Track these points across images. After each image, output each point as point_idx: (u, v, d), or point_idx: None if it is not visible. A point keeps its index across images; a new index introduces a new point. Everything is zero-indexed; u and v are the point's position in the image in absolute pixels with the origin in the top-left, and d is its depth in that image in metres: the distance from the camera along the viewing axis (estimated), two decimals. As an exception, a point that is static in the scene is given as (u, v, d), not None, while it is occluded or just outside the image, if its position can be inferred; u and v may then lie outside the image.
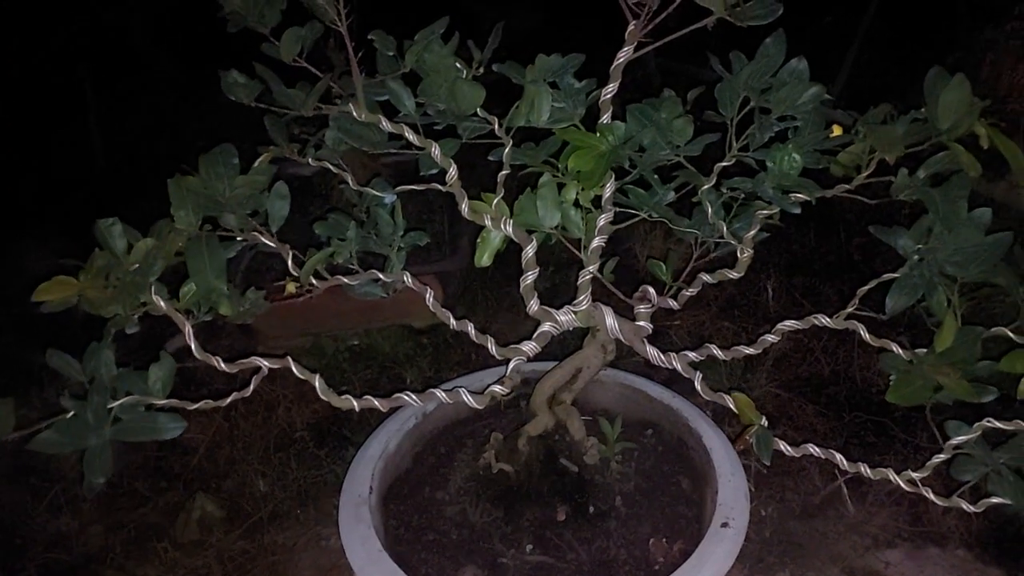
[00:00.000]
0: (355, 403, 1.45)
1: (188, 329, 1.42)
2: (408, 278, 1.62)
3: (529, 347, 1.59)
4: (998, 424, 1.41)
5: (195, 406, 1.45)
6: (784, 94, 1.54)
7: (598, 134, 1.58)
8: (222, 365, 1.44)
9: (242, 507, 2.39)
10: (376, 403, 1.46)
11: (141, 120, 4.54)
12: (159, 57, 4.63)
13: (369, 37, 1.51)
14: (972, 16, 4.27)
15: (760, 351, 1.66)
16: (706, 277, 1.71)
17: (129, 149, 4.32)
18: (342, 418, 2.67)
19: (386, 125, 1.57)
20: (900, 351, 1.53)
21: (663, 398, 1.88)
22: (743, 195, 1.66)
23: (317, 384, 1.45)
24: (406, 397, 1.47)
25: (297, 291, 1.56)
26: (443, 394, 1.50)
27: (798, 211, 1.56)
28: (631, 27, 1.58)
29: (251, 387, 1.49)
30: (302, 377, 1.47)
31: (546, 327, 1.62)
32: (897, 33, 5.07)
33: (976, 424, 1.42)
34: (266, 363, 1.45)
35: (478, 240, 1.68)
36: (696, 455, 1.77)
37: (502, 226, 1.59)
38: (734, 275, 1.67)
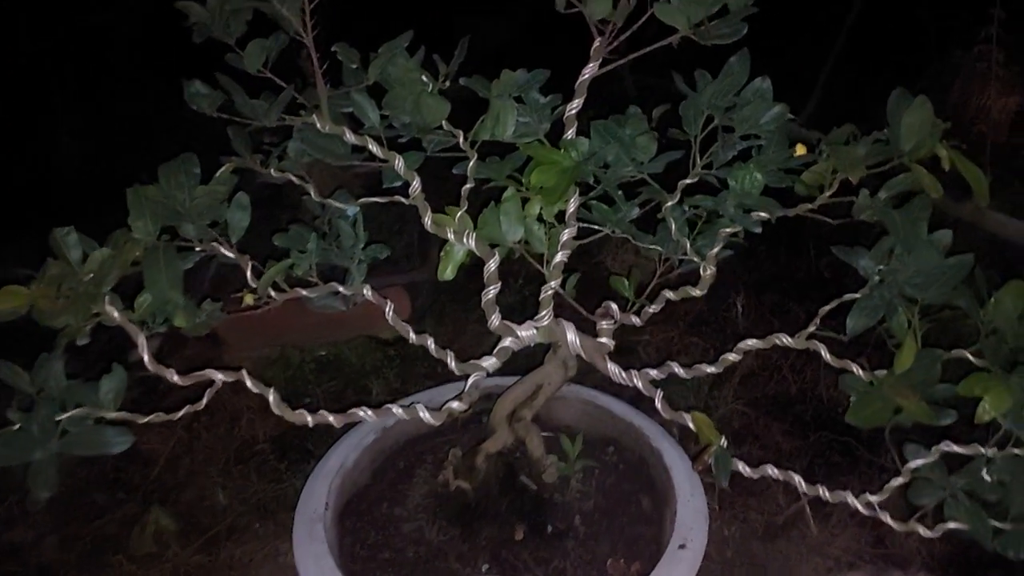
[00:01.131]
0: (309, 418, 1.43)
1: (142, 340, 1.39)
2: (368, 291, 1.60)
3: (489, 363, 1.58)
4: (956, 448, 1.40)
5: (146, 419, 1.42)
6: (747, 113, 1.54)
7: (562, 149, 1.58)
8: (175, 377, 1.42)
9: (200, 520, 2.36)
10: (331, 419, 1.44)
11: (115, 127, 4.50)
12: (137, 63, 4.59)
13: (332, 49, 1.49)
14: (942, 39, 4.32)
15: (721, 370, 1.65)
16: (669, 294, 1.71)
17: (101, 156, 4.28)
18: (305, 430, 2.62)
19: (350, 137, 1.56)
20: (860, 372, 1.53)
21: (625, 415, 1.87)
22: (707, 212, 1.66)
23: (271, 398, 1.44)
24: (361, 413, 1.45)
25: (255, 303, 1.54)
26: (400, 410, 1.48)
27: (759, 230, 1.56)
28: (596, 44, 1.58)
29: (204, 400, 1.46)
30: (256, 391, 1.44)
31: (507, 342, 1.61)
32: (870, 54, 5.12)
33: (934, 448, 1.42)
34: (220, 376, 1.43)
35: (442, 253, 1.67)
36: (657, 474, 1.76)
37: (464, 240, 1.58)
38: (697, 293, 1.66)
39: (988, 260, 3.33)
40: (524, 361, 1.77)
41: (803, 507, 2.30)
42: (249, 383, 1.44)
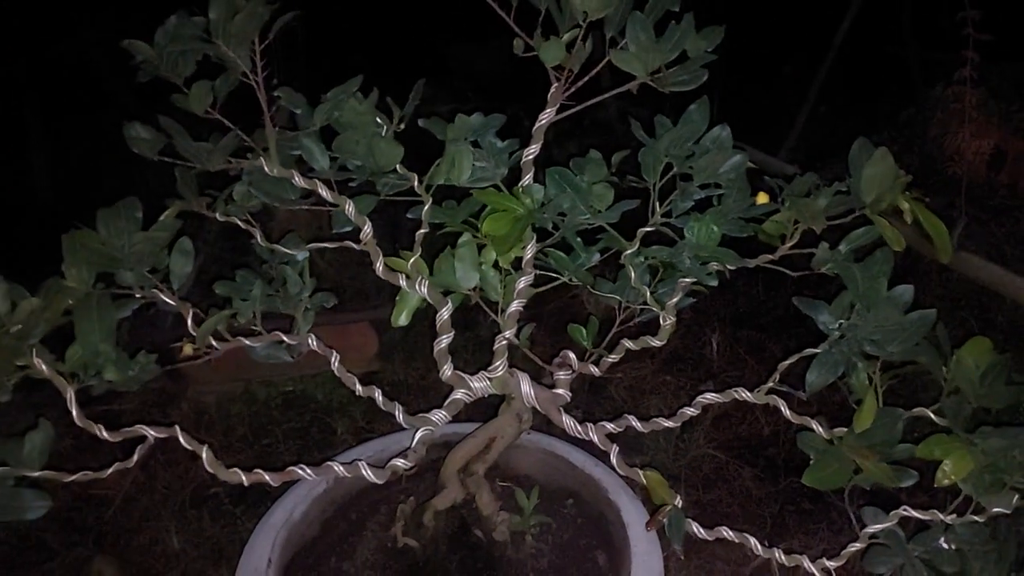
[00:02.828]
0: (243, 477, 1.38)
1: (70, 394, 1.34)
2: (313, 341, 1.55)
3: (438, 416, 1.53)
4: (914, 513, 1.36)
5: (71, 478, 1.36)
6: (705, 162, 1.50)
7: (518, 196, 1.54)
8: (104, 433, 1.36)
9: (152, 566, 2.29)
10: (267, 477, 1.39)
11: (90, 154, 4.45)
12: (114, 89, 4.55)
13: (276, 95, 1.44)
14: (924, 72, 4.31)
15: (679, 424, 1.61)
16: (629, 344, 1.66)
17: (75, 183, 4.23)
18: (265, 470, 2.58)
19: (299, 181, 1.52)
20: (820, 430, 1.49)
21: (585, 466, 1.81)
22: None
23: (204, 456, 1.39)
24: (300, 471, 1.40)
25: (195, 353, 1.49)
26: (341, 468, 1.43)
27: (715, 283, 1.51)
28: (552, 90, 1.54)
29: (135, 458, 1.40)
30: (189, 448, 1.39)
31: (458, 395, 1.56)
32: (852, 87, 5.12)
33: (892, 512, 1.37)
34: (152, 432, 1.38)
35: (397, 298, 1.63)
36: (615, 530, 1.70)
37: (417, 287, 1.54)
38: (656, 343, 1.62)
39: (963, 304, 3.31)
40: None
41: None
42: (182, 439, 1.38)
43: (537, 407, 1.59)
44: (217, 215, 1.57)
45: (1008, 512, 1.31)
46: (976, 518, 1.32)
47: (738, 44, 5.16)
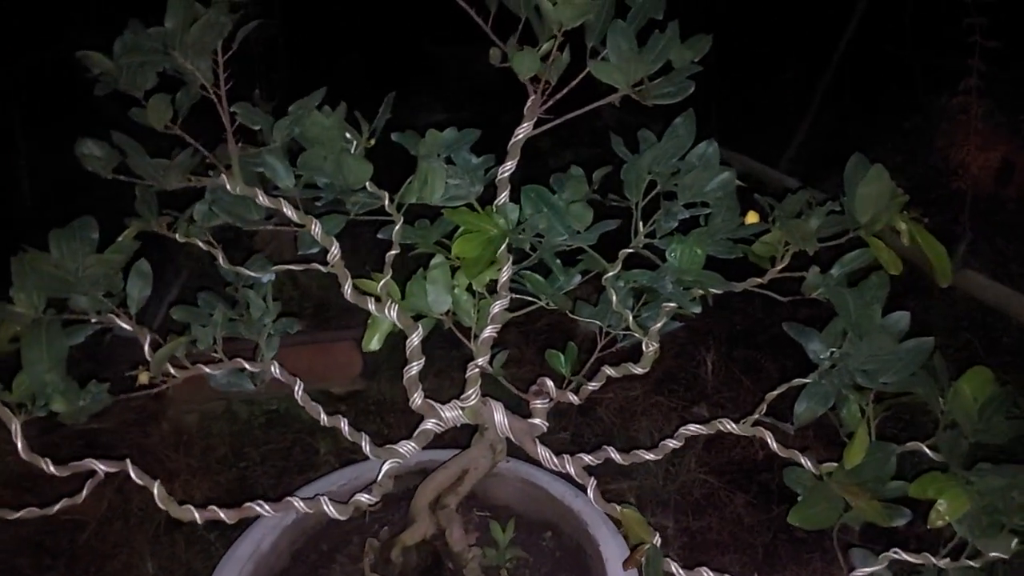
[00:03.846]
0: (196, 515, 1.30)
1: (16, 427, 1.26)
2: (276, 369, 1.48)
3: (406, 448, 1.46)
4: (905, 556, 1.28)
5: (16, 515, 1.29)
6: (690, 180, 1.43)
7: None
8: (51, 468, 1.29)
9: (125, 594, 2.23)
10: (222, 515, 1.31)
11: (76, 164, 4.38)
12: (101, 98, 4.47)
13: (232, 111, 1.37)
14: (930, 80, 4.22)
15: (661, 456, 1.53)
16: (610, 371, 1.58)
17: (61, 191, 4.16)
18: (240, 495, 2.51)
19: (263, 199, 1.44)
20: (809, 465, 1.41)
21: (564, 498, 1.73)
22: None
23: (155, 492, 1.30)
24: (257, 508, 1.32)
25: (151, 381, 1.41)
26: (301, 504, 1.36)
27: (698, 310, 1.43)
28: (529, 103, 1.47)
29: (84, 493, 1.33)
30: (140, 483, 1.32)
31: (429, 424, 1.49)
32: (857, 94, 5.02)
33: (882, 555, 1.29)
34: (102, 467, 1.31)
35: (368, 321, 1.56)
36: (593, 565, 1.62)
37: (387, 311, 1.47)
38: (638, 370, 1.55)
39: (967, 325, 3.21)
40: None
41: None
42: (133, 474, 1.31)
43: (511, 438, 1.51)
44: (177, 236, 1.50)
45: (1006, 557, 1.23)
46: (971, 563, 1.24)
47: (738, 51, 5.11)
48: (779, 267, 1.50)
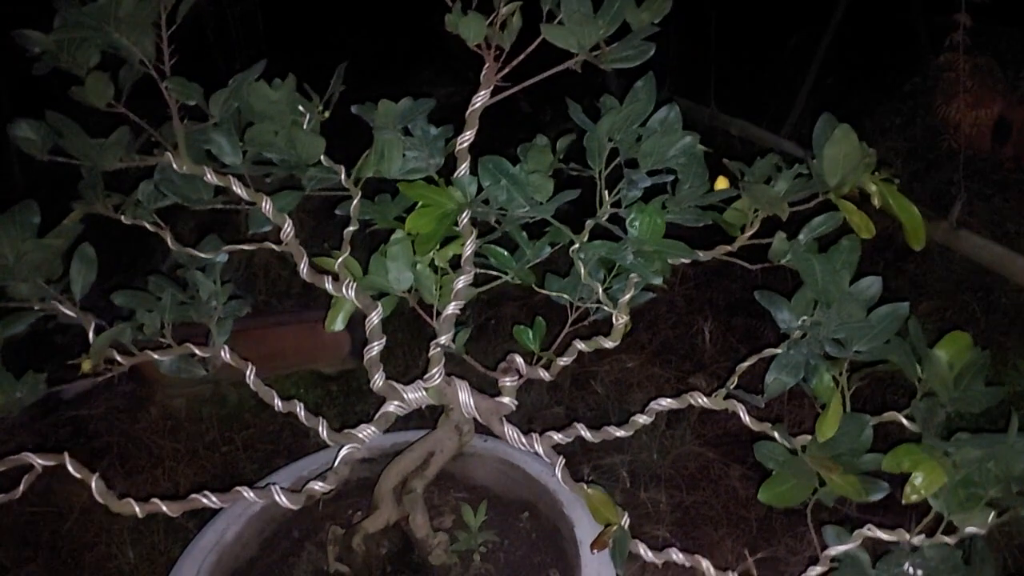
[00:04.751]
0: (137, 509, 1.26)
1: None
2: (227, 353, 1.43)
3: (365, 432, 1.41)
4: (879, 533, 1.22)
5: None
6: (651, 146, 1.36)
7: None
8: (-13, 463, 1.24)
9: (104, 583, 2.20)
10: (163, 508, 1.27)
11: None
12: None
13: (164, 86, 1.31)
14: (931, 39, 4.10)
15: (631, 432, 1.48)
16: (581, 345, 1.53)
17: (52, 173, 4.11)
18: (230, 476, 2.49)
19: (211, 178, 1.39)
20: (781, 439, 1.36)
21: (541, 477, 1.68)
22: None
23: (93, 485, 1.26)
24: (203, 499, 1.28)
25: (93, 370, 1.37)
26: (250, 493, 1.31)
27: (659, 281, 1.37)
28: (485, 70, 1.41)
29: (20, 488, 1.28)
30: (78, 476, 1.27)
31: (391, 407, 1.44)
32: (859, 56, 4.91)
33: (856, 532, 1.23)
34: (39, 460, 1.26)
35: (332, 301, 1.51)
36: (568, 547, 1.57)
37: (344, 290, 1.42)
38: (609, 344, 1.49)
39: (964, 286, 3.12)
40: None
41: (749, 568, 2.11)
42: (71, 468, 1.26)
43: (478, 417, 1.46)
44: (123, 218, 1.45)
45: (983, 532, 1.17)
46: (947, 539, 1.18)
47: (738, 15, 5.01)
48: (748, 234, 1.44)
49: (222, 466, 2.57)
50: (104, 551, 2.27)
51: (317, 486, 1.34)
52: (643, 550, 1.35)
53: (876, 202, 1.35)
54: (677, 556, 1.34)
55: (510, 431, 1.45)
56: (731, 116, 4.44)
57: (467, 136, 1.43)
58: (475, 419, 1.49)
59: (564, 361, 1.54)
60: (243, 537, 1.62)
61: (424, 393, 1.45)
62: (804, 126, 4.49)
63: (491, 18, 1.35)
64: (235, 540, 1.60)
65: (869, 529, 1.22)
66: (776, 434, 1.36)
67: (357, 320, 2.92)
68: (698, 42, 4.36)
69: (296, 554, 1.64)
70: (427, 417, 1.82)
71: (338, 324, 1.51)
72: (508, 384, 1.51)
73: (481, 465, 1.78)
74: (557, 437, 1.47)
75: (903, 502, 1.19)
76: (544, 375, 1.55)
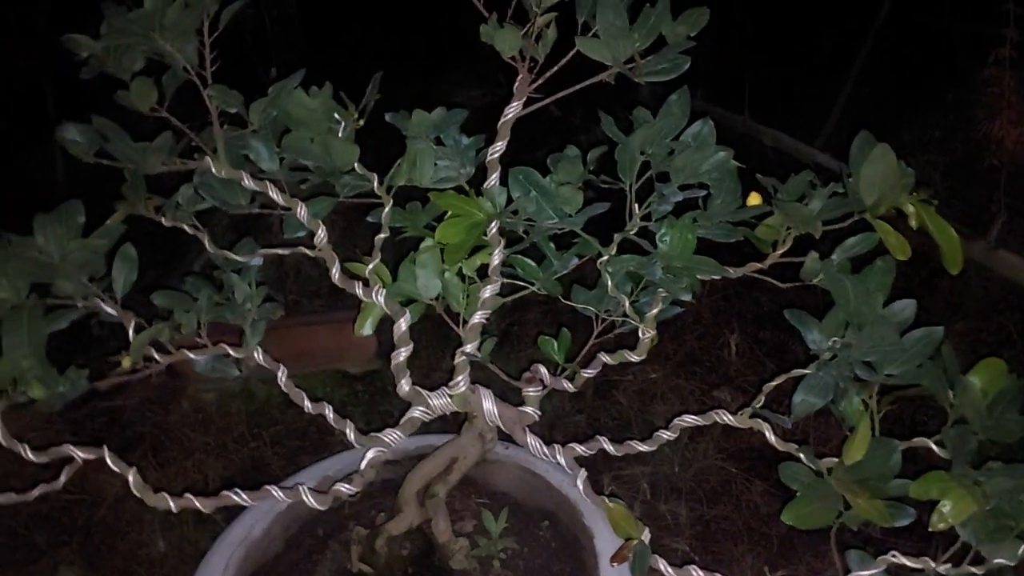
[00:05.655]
0: (171, 503, 1.28)
1: (-7, 413, 1.24)
2: (259, 355, 1.45)
3: (391, 436, 1.42)
4: (904, 560, 1.21)
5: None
6: (683, 161, 1.36)
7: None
8: (29, 454, 1.27)
9: (135, 571, 2.23)
10: (197, 503, 1.28)
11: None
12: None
13: (207, 94, 1.33)
14: (970, 51, 4.03)
15: (656, 447, 1.48)
16: (605, 358, 1.54)
17: (94, 170, 4.16)
18: (252, 475, 2.51)
19: (248, 183, 1.41)
20: (807, 460, 1.35)
21: (562, 487, 1.69)
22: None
23: (131, 479, 1.27)
24: (235, 497, 1.30)
25: (133, 367, 1.39)
26: (279, 492, 1.33)
27: (688, 297, 1.37)
28: (519, 80, 1.42)
29: (62, 479, 1.31)
30: (116, 470, 1.29)
31: (416, 412, 1.45)
32: (898, 67, 4.84)
33: (880, 558, 1.22)
34: (79, 453, 1.28)
35: (361, 306, 1.52)
36: (588, 558, 1.58)
37: (373, 296, 1.43)
38: (634, 358, 1.49)
39: (1002, 307, 3.07)
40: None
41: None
42: (110, 461, 1.28)
43: (501, 426, 1.47)
44: (163, 220, 1.48)
45: (1012, 564, 1.16)
46: (974, 570, 1.17)
47: (774, 25, 4.95)
48: (780, 251, 1.43)
49: (250, 460, 2.60)
50: (136, 539, 2.32)
51: (344, 488, 1.35)
52: (663, 566, 1.35)
53: (913, 223, 1.34)
54: (697, 573, 1.33)
55: (532, 441, 1.44)
56: (764, 125, 4.40)
57: (498, 147, 1.43)
58: (498, 427, 1.49)
59: (588, 373, 1.55)
60: (270, 533, 1.64)
61: (449, 400, 1.45)
62: (839, 137, 4.44)
63: (525, 28, 1.35)
64: (262, 536, 1.63)
65: (894, 555, 1.21)
66: (802, 455, 1.35)
67: (384, 323, 2.95)
68: (732, 49, 4.33)
69: (320, 552, 1.65)
70: (449, 421, 1.82)
71: (367, 329, 1.53)
72: (532, 394, 1.51)
73: (502, 472, 1.79)
74: (580, 449, 1.47)
75: (930, 529, 1.18)
76: (568, 386, 1.55)
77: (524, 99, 1.41)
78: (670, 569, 1.35)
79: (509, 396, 1.53)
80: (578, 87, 1.37)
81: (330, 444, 2.63)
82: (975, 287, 3.08)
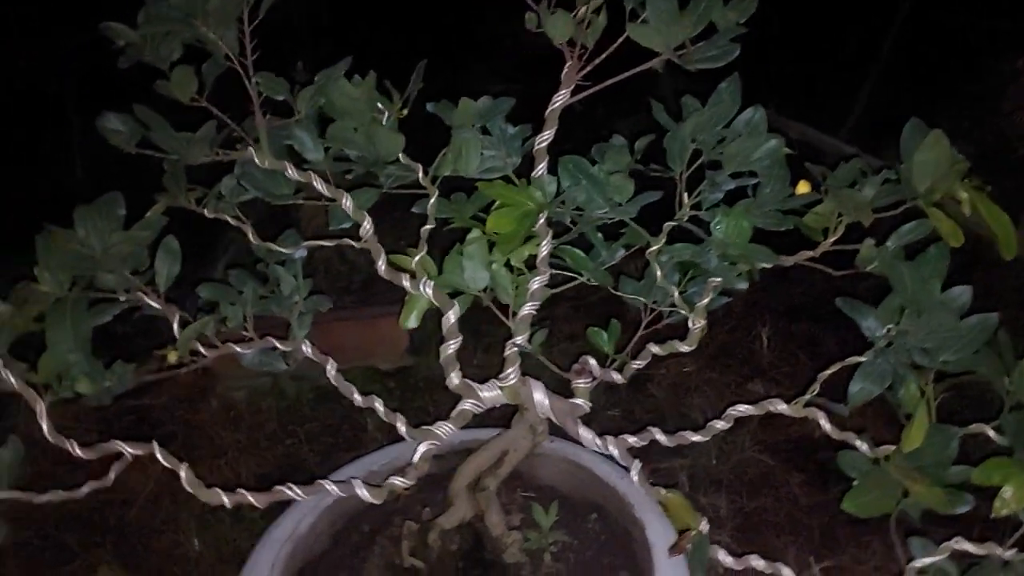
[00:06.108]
0: (225, 499, 1.27)
1: (41, 408, 1.24)
2: (308, 348, 1.44)
3: (443, 429, 1.41)
4: (968, 546, 1.20)
5: (43, 498, 1.27)
6: (736, 148, 1.35)
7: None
8: (77, 450, 1.26)
9: (171, 571, 2.22)
10: (250, 498, 1.28)
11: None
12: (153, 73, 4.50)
13: (255, 80, 1.32)
14: (995, 44, 4.01)
15: (709, 437, 1.46)
16: (655, 348, 1.52)
17: (113, 166, 4.17)
18: (287, 472, 2.50)
19: (292, 173, 1.40)
20: (865, 448, 1.33)
21: (609, 479, 1.67)
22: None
23: (183, 475, 1.27)
24: (288, 492, 1.29)
25: (179, 361, 1.39)
26: (334, 487, 1.32)
27: (745, 286, 1.36)
28: (566, 69, 1.41)
29: (111, 476, 1.31)
30: (168, 465, 1.28)
31: (466, 405, 1.44)
32: (920, 59, 4.81)
33: (943, 544, 1.21)
34: (128, 449, 1.28)
35: (406, 298, 1.51)
36: (639, 549, 1.56)
37: (421, 288, 1.42)
38: (685, 348, 1.48)
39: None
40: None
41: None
42: (161, 456, 1.28)
43: (552, 418, 1.46)
44: (206, 212, 1.47)
45: (1079, 549, 1.14)
46: (1041, 556, 1.15)
47: (797, 16, 4.92)
48: (832, 239, 1.42)
49: (284, 458, 2.59)
50: (171, 539, 2.31)
51: (398, 481, 1.34)
52: (722, 555, 1.34)
53: (967, 210, 1.32)
54: (757, 563, 1.33)
55: (585, 432, 1.44)
56: (790, 119, 4.38)
57: (546, 135, 1.42)
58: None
59: (638, 364, 1.54)
60: (316, 529, 1.63)
61: (499, 392, 1.44)
62: (863, 130, 4.42)
63: (573, 14, 1.34)
64: (309, 532, 1.61)
65: (957, 542, 1.20)
66: (858, 443, 1.34)
67: (416, 317, 2.92)
68: (758, 45, 4.28)
69: (367, 548, 1.64)
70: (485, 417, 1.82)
71: (411, 321, 1.51)
72: (582, 385, 1.50)
73: (548, 465, 1.78)
74: (631, 440, 1.46)
75: (992, 515, 1.16)
76: (617, 377, 1.54)
77: (572, 87, 1.40)
78: (729, 558, 1.34)
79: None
80: (627, 75, 1.36)
81: (364, 441, 2.63)
82: (1011, 277, 3.05)
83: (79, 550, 2.31)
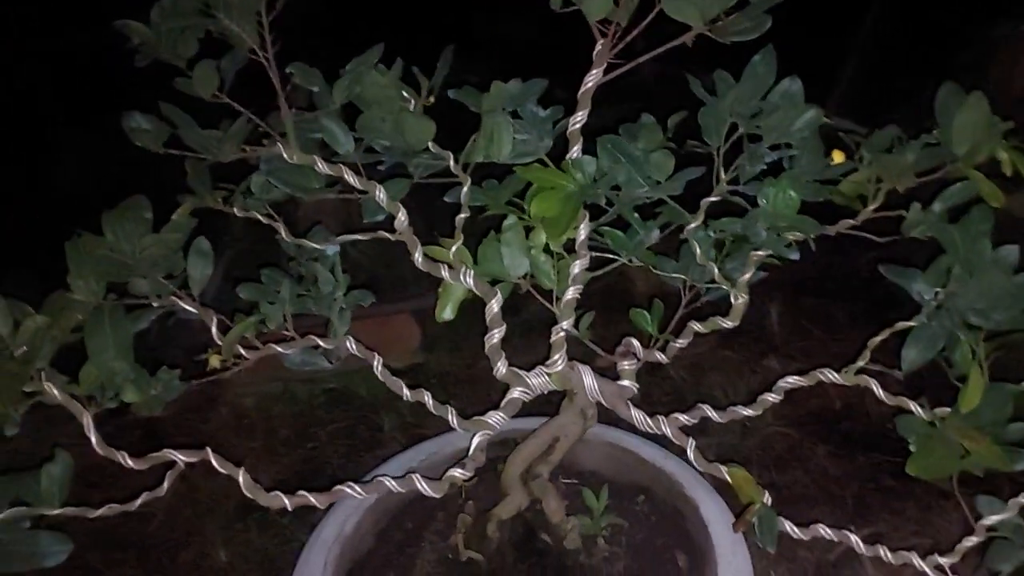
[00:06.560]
0: (287, 501, 1.25)
1: (87, 420, 1.21)
2: (351, 344, 1.41)
3: (495, 419, 1.39)
4: (1039, 502, 1.19)
5: (96, 513, 1.24)
6: (775, 120, 1.34)
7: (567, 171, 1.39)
8: (128, 461, 1.23)
9: (200, 583, 2.20)
10: (312, 499, 1.26)
11: (118, 153, 4.32)
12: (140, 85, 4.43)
13: (288, 71, 1.30)
14: (983, 10, 4.02)
15: (760, 411, 1.45)
16: (697, 326, 1.52)
17: (104, 183, 4.10)
18: (311, 478, 2.47)
19: (322, 167, 1.37)
20: (920, 411, 1.33)
21: (655, 460, 1.67)
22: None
23: (241, 479, 1.25)
24: (347, 490, 1.27)
25: (222, 365, 1.36)
26: (393, 483, 1.30)
27: (796, 256, 1.35)
28: (598, 48, 1.39)
29: (165, 485, 1.28)
30: (223, 471, 1.26)
31: (515, 393, 1.42)
32: (904, 30, 4.82)
33: (1012, 501, 1.21)
34: (181, 457, 1.25)
35: (439, 290, 1.49)
36: (693, 527, 1.56)
37: (461, 278, 1.40)
38: (728, 324, 1.48)
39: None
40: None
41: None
42: (216, 463, 1.25)
43: (603, 401, 1.44)
44: (235, 210, 1.44)
45: None
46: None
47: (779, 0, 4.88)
48: (872, 206, 1.41)
49: (302, 462, 2.56)
50: (197, 550, 2.27)
51: (458, 472, 1.32)
52: (789, 527, 1.33)
53: (1007, 170, 1.32)
54: (825, 532, 1.32)
55: (636, 414, 1.42)
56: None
57: (579, 117, 1.39)
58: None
59: (681, 343, 1.53)
60: (361, 528, 1.62)
61: (547, 378, 1.43)
62: (851, 103, 4.42)
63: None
64: (354, 532, 1.60)
65: (1024, 499, 1.20)
66: (914, 407, 1.33)
67: (424, 313, 2.91)
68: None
69: (413, 544, 1.62)
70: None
71: (448, 313, 1.49)
72: (627, 367, 1.48)
73: (588, 450, 1.77)
74: (683, 419, 1.45)
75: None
76: (661, 357, 1.53)
77: (604, 66, 1.38)
78: (796, 529, 1.33)
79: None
80: (661, 50, 1.34)
81: (383, 441, 2.60)
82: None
83: (103, 568, 2.26)
